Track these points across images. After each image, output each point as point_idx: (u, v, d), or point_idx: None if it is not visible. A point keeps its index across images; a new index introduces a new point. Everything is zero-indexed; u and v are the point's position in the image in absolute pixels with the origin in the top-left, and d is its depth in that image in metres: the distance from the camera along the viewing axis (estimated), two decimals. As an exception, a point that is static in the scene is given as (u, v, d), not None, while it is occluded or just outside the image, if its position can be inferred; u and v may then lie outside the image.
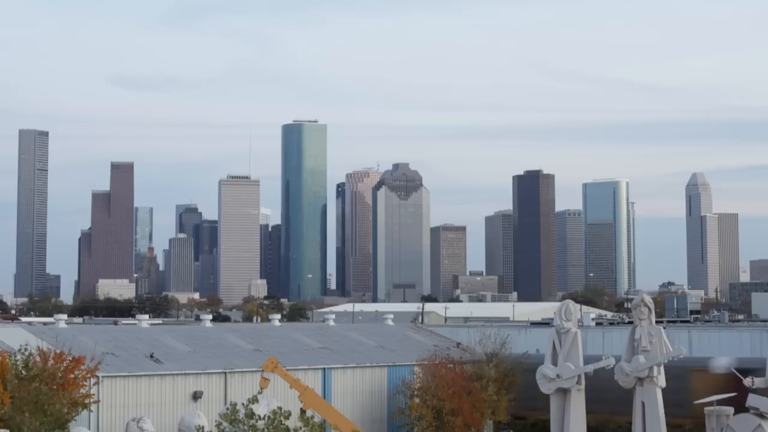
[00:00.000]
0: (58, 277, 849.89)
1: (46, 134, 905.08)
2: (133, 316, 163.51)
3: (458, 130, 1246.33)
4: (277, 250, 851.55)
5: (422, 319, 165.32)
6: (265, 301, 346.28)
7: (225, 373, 62.11)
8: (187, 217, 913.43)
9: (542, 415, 66.87)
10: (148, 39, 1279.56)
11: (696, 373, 65.79)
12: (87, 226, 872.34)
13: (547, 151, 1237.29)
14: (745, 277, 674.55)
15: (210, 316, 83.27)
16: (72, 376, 51.29)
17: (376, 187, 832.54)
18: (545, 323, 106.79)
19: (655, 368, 57.49)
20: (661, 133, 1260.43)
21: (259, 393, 55.30)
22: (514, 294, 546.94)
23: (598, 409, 65.14)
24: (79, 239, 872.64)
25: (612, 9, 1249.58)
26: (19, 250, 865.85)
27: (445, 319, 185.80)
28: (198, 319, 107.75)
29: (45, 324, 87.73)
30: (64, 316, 75.16)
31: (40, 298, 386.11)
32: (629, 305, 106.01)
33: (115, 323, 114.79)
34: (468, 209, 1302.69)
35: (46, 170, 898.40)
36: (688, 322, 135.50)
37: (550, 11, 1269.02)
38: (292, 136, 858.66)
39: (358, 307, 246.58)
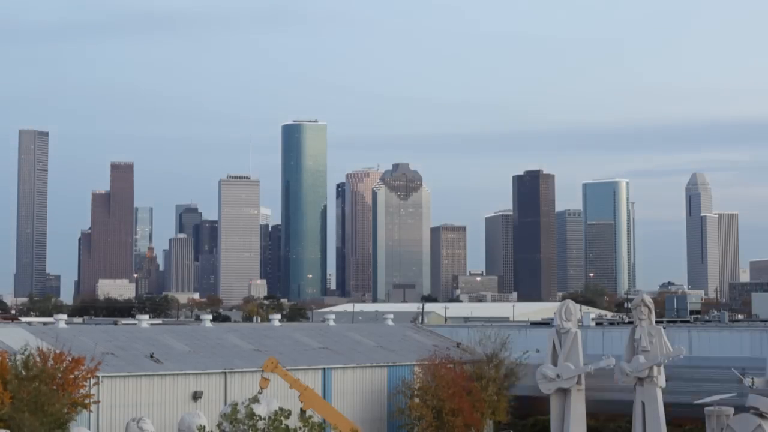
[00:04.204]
0: (58, 277, 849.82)
1: (46, 134, 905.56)
2: (133, 316, 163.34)
3: (458, 131, 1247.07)
4: (277, 250, 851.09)
5: (422, 319, 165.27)
6: (265, 301, 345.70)
7: (225, 373, 62.07)
8: (187, 217, 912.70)
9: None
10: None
11: None
12: (87, 226, 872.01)
13: (547, 151, 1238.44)
14: (745, 277, 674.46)
15: (210, 316, 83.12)
16: (72, 376, 51.29)
17: (376, 187, 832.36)
18: (545, 323, 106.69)
19: (655, 368, 57.53)
20: (662, 133, 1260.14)
21: (259, 393, 55.27)
22: (514, 294, 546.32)
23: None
24: (79, 239, 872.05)
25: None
26: (19, 250, 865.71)
27: (445, 319, 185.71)
28: (198, 319, 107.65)
29: (45, 324, 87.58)
30: (64, 316, 74.95)
31: (40, 298, 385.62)
32: (629, 305, 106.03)
33: (115, 323, 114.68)
34: (468, 209, 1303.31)
35: (46, 170, 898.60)
36: (688, 322, 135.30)
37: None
38: (292, 136, 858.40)
39: (358, 307, 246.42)
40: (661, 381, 57.92)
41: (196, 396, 60.29)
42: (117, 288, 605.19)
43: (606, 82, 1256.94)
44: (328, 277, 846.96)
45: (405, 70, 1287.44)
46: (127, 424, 54.43)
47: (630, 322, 77.16)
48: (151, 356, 61.29)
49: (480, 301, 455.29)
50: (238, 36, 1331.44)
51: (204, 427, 52.06)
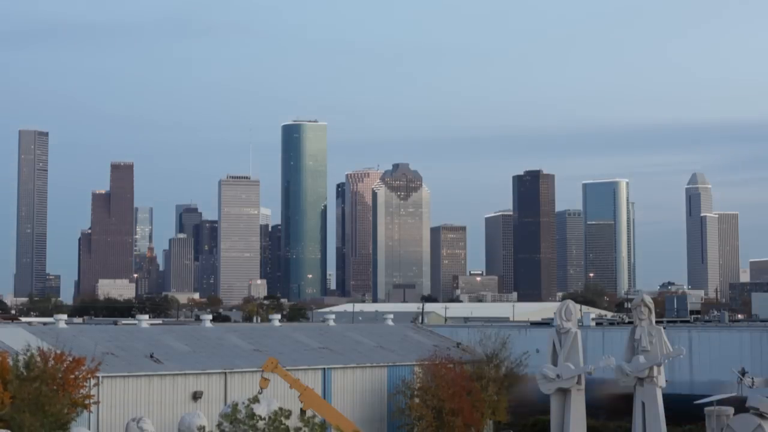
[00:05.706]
0: (58, 277, 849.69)
1: (46, 134, 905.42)
2: (133, 316, 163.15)
3: (458, 131, 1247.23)
4: (277, 250, 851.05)
5: (422, 319, 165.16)
6: (265, 301, 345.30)
7: (225, 373, 62.05)
8: (187, 217, 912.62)
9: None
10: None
11: None
12: (87, 226, 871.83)
13: (547, 151, 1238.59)
14: (745, 277, 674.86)
15: (210, 316, 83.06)
16: (72, 376, 51.28)
17: (376, 187, 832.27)
18: (545, 323, 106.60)
19: (655, 368, 57.49)
20: (662, 133, 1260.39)
21: (260, 393, 55.26)
22: (514, 294, 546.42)
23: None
24: (79, 239, 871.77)
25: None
26: (19, 250, 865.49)
27: (445, 319, 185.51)
28: (198, 319, 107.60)
29: (45, 324, 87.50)
30: (64, 317, 74.80)
31: (40, 298, 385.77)
32: (629, 305, 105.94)
33: (115, 323, 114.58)
34: (468, 209, 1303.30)
35: (46, 170, 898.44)
36: (688, 322, 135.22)
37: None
38: (292, 136, 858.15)
39: (358, 307, 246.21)
40: (661, 381, 57.91)
41: (196, 396, 60.27)
42: (117, 288, 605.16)
43: (606, 82, 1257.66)
44: (328, 277, 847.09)
45: (405, 69, 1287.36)
46: (127, 424, 54.42)
47: (630, 322, 77.12)
48: (151, 356, 61.27)
49: (480, 301, 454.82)
50: (237, 36, 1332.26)
51: (204, 427, 52.06)
